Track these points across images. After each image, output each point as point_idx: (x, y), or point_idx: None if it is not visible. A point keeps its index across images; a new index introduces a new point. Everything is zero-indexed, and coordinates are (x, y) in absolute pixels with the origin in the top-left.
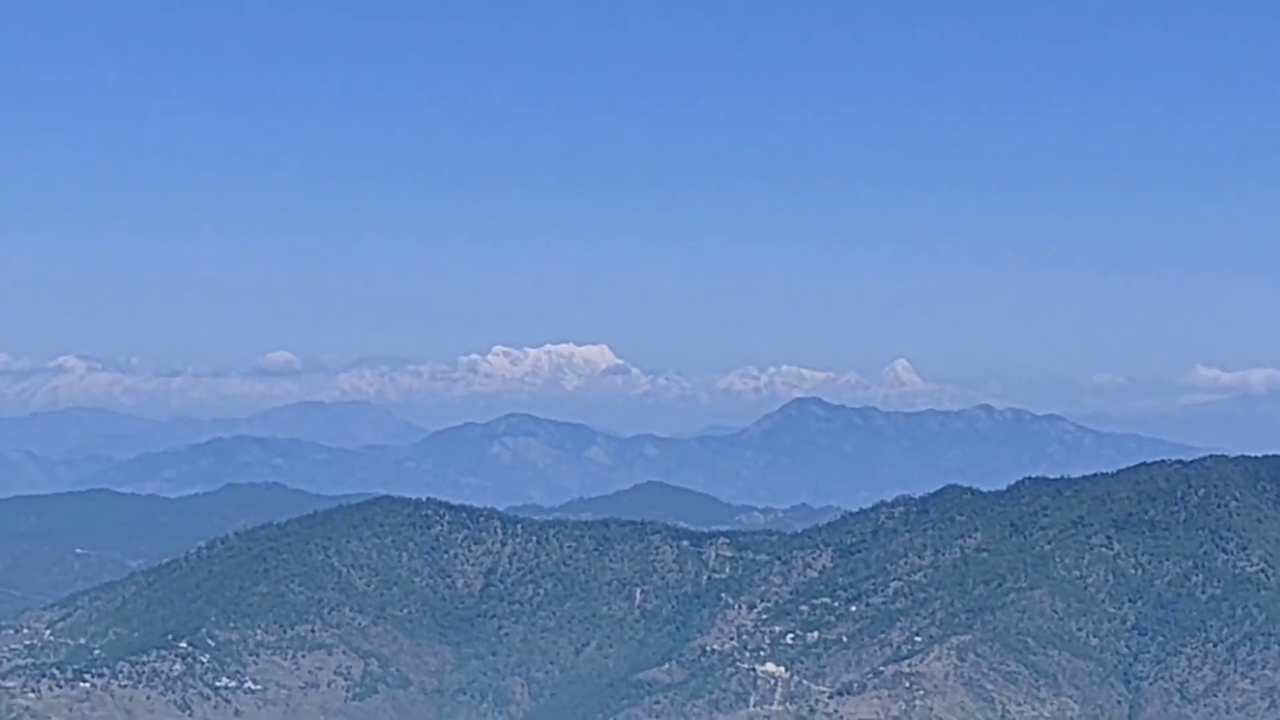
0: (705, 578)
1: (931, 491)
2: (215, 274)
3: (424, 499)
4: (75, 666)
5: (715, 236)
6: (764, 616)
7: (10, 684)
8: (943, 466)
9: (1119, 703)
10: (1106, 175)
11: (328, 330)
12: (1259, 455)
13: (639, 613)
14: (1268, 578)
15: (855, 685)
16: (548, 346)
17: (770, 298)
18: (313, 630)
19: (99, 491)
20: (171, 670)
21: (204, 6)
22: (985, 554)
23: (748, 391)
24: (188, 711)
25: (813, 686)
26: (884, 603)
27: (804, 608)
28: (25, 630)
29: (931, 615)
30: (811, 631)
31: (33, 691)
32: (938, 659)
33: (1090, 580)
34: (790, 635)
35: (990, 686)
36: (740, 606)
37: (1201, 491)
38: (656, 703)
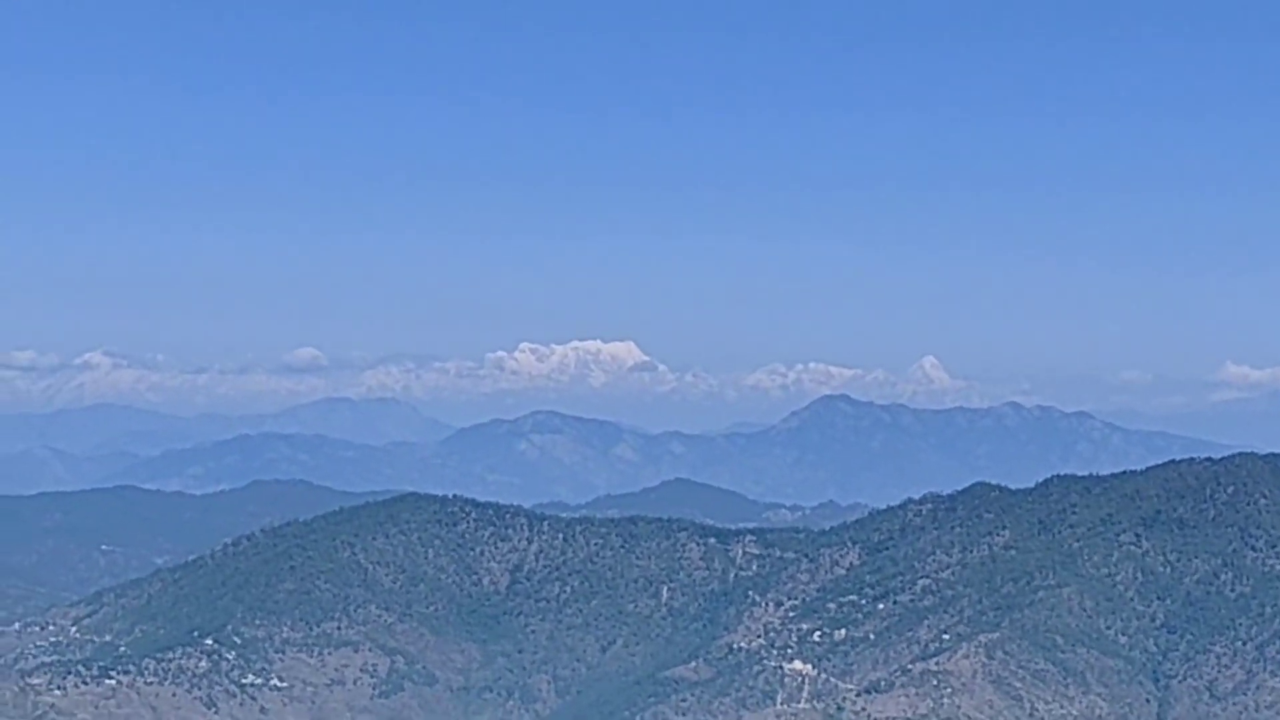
0: (732, 575)
1: (959, 489)
2: (242, 271)
3: (450, 496)
4: (101, 663)
5: (743, 233)
6: (791, 614)
7: (36, 681)
8: (971, 464)
9: (1147, 701)
10: (1136, 173)
11: (354, 327)
12: None
13: (666, 610)
14: None
15: (883, 683)
16: (574, 343)
17: (798, 295)
18: (339, 627)
19: (124, 488)
20: (197, 667)
21: (229, 7)
22: (1013, 551)
23: (775, 388)
24: (213, 709)
25: (840, 684)
26: (912, 600)
27: (831, 605)
28: (51, 627)
29: (959, 613)
30: (839, 629)
31: (59, 688)
32: (966, 657)
33: (1119, 578)
34: (818, 633)
35: (1018, 684)
36: (767, 604)
37: (1230, 489)
38: (683, 700)
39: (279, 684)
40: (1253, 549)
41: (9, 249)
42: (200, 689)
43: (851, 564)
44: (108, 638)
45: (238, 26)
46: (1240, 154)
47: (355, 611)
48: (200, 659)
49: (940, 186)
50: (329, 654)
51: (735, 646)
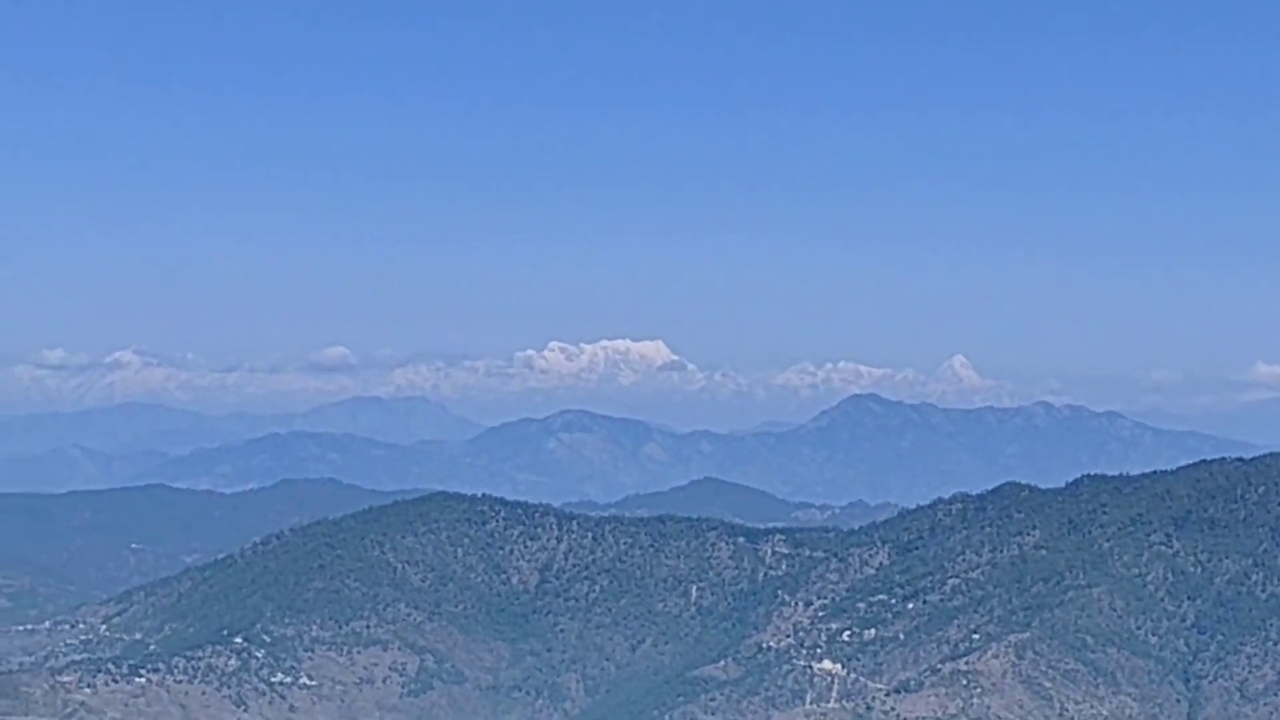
0: (762, 574)
1: (989, 489)
2: (271, 270)
3: (479, 495)
4: (131, 661)
5: (773, 232)
6: (821, 613)
7: (66, 678)
8: (1001, 463)
9: (1178, 701)
10: (1168, 172)
11: (383, 326)
12: None
13: (695, 609)
14: None
15: (912, 683)
16: (604, 342)
17: (828, 294)
18: (368, 626)
19: (154, 487)
20: (227, 666)
21: (264, 8)
22: (1043, 551)
23: (804, 388)
24: (243, 707)
25: (869, 684)
26: (941, 600)
27: (861, 605)
28: (81, 625)
29: (989, 613)
30: (868, 629)
31: (89, 686)
32: (995, 657)
33: (1149, 578)
34: (847, 632)
35: (1048, 684)
36: (797, 603)
37: (1261, 489)
38: (712, 699)
39: (308, 682)
40: None
41: (40, 248)
42: (230, 687)
43: (881, 564)
44: (138, 636)
45: (279, 26)
46: (1273, 152)
47: (384, 610)
48: (230, 657)
49: (972, 186)
50: (358, 653)
51: (764, 646)
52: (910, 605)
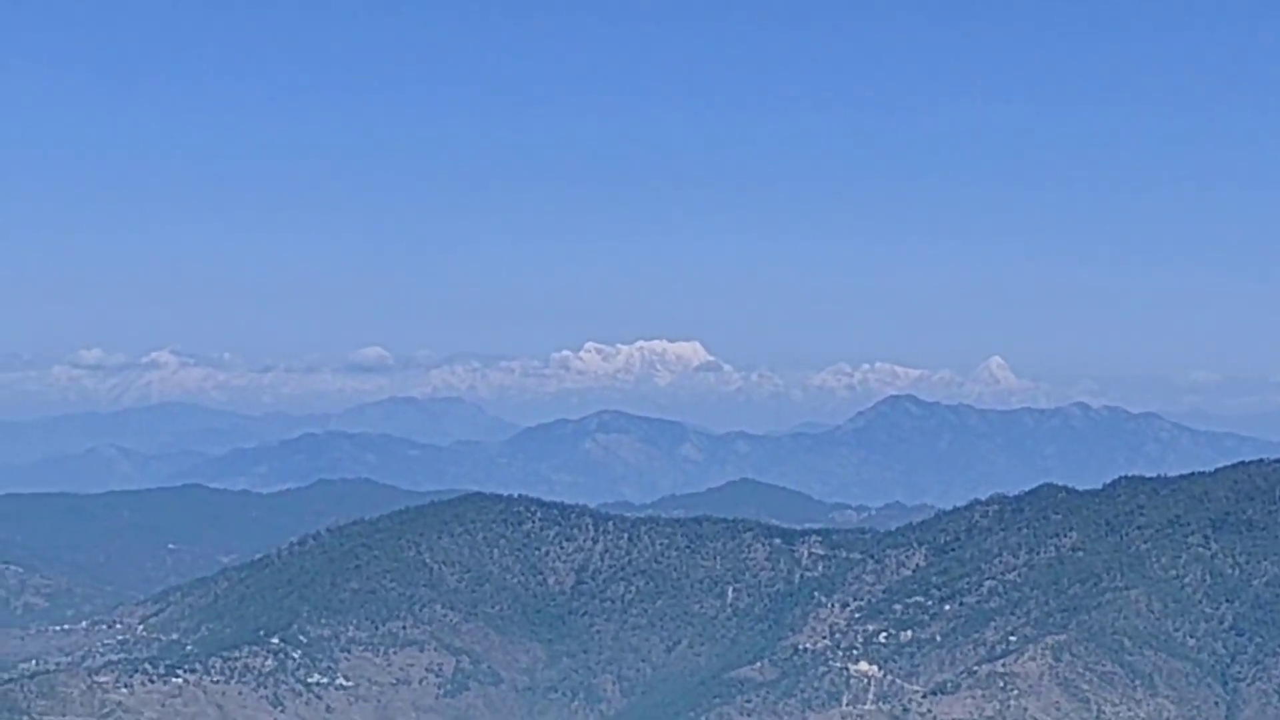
0: (798, 576)
1: (1026, 490)
2: (308, 270)
3: (515, 496)
4: (168, 662)
5: (810, 233)
6: (857, 615)
7: (104, 679)
8: (1038, 465)
9: (1216, 704)
10: (1207, 171)
11: (420, 326)
12: None
13: (731, 611)
14: None
15: (949, 685)
16: (640, 343)
17: (864, 294)
18: (404, 627)
19: (191, 487)
20: (263, 666)
21: (301, 8)
22: (1080, 553)
23: (841, 388)
24: (279, 707)
25: (906, 686)
26: (978, 602)
27: (897, 606)
28: (118, 625)
29: (1026, 615)
30: (905, 630)
31: (125, 687)
32: (1032, 659)
33: (1187, 580)
34: (883, 634)
35: (1085, 687)
36: (833, 605)
37: None
38: (748, 701)
39: (344, 683)
40: None
41: (78, 248)
42: (266, 688)
43: (918, 565)
44: (174, 636)
45: (315, 25)
46: None
47: (421, 611)
48: (266, 658)
49: (1008, 185)
50: (394, 653)
51: (800, 647)
52: (947, 607)
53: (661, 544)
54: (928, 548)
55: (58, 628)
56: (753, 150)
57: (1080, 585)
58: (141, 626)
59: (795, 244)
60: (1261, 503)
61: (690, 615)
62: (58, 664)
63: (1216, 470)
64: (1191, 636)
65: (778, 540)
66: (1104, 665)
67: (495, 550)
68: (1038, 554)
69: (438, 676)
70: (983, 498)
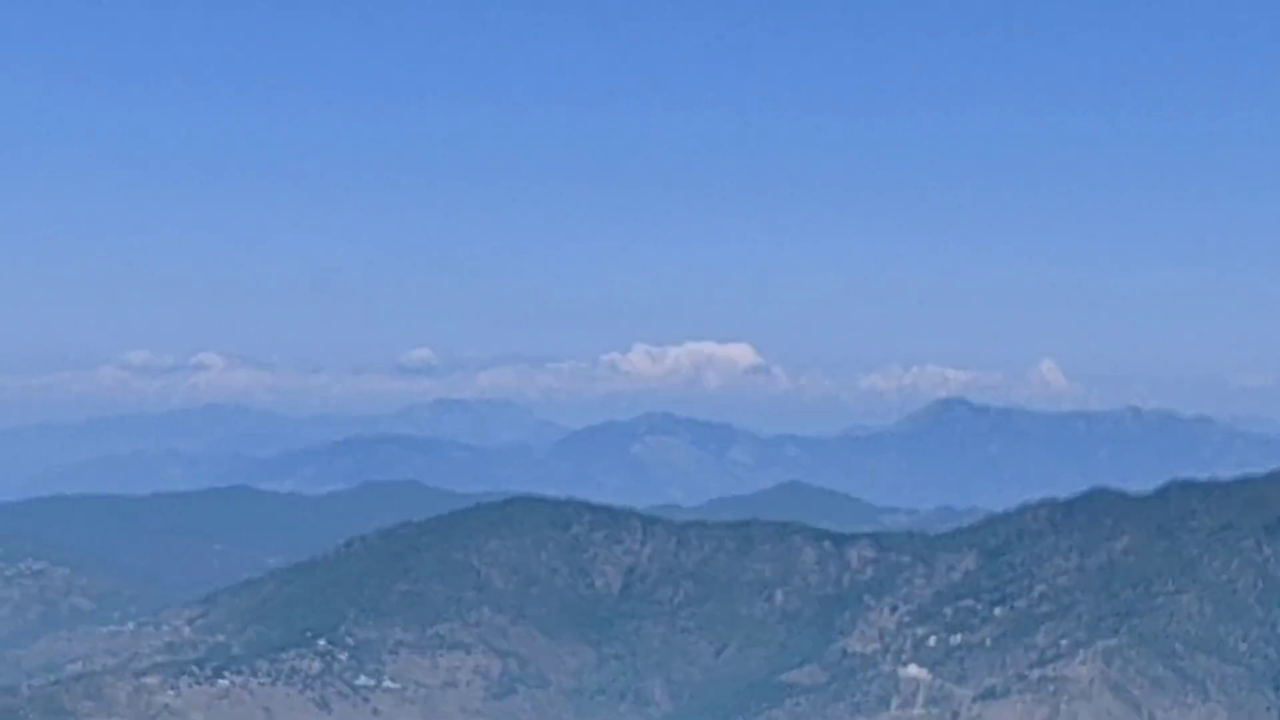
0: (847, 579)
1: (1078, 494)
2: (356, 272)
3: (564, 498)
4: (214, 664)
5: (859, 235)
6: (906, 619)
7: (151, 680)
8: (1089, 468)
9: (1268, 709)
10: (1258, 174)
11: (468, 328)
12: None
13: (780, 614)
14: None
15: (999, 689)
16: (689, 345)
17: (914, 296)
18: (452, 629)
19: (238, 489)
20: (310, 668)
21: (350, 6)
22: (1132, 557)
23: (891, 391)
24: (326, 709)
25: (956, 690)
26: (1029, 606)
27: (947, 610)
28: (165, 627)
29: (1077, 619)
30: (955, 634)
31: (172, 688)
32: (1083, 663)
33: (1240, 584)
34: (933, 638)
35: (1137, 692)
36: (883, 608)
37: None
38: (797, 705)
39: (391, 685)
40: None
41: (125, 249)
42: (313, 690)
43: (968, 569)
44: (221, 638)
45: (350, 26)
46: None
47: (468, 613)
48: (313, 660)
49: (1060, 187)
50: (442, 656)
51: (850, 651)
52: (997, 611)
53: (710, 547)
54: (978, 551)
55: (104, 629)
56: (804, 152)
57: (1132, 589)
58: (188, 628)
59: (845, 246)
60: None
61: (739, 618)
62: (104, 665)
63: (1269, 474)
64: (1244, 641)
65: (827, 543)
66: (1156, 670)
67: (543, 553)
68: (1089, 558)
69: (485, 679)
70: (1034, 501)
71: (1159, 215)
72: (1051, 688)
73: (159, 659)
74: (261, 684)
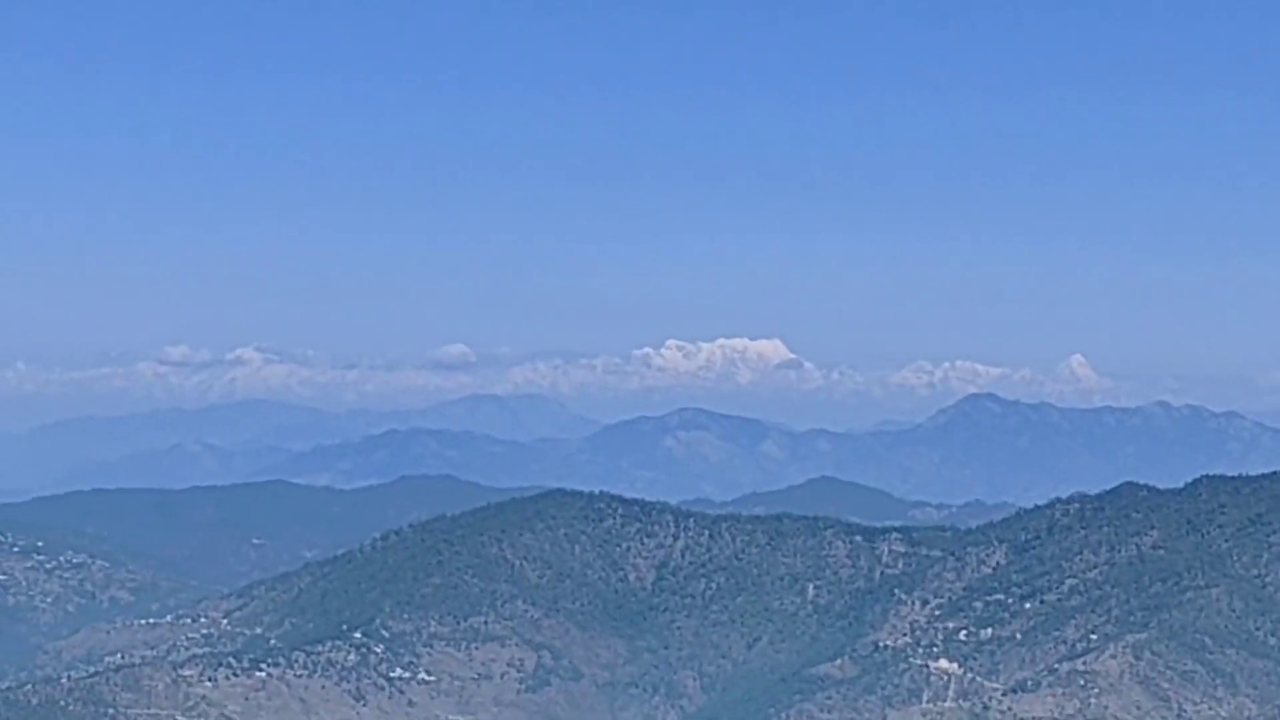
0: (878, 573)
1: (1107, 488)
2: (391, 268)
3: (597, 492)
4: (251, 656)
5: (889, 231)
6: (937, 612)
7: (188, 672)
8: (1119, 463)
9: None
10: None
11: (502, 323)
12: None
13: (811, 608)
14: None
15: (1029, 683)
16: (721, 340)
17: (945, 292)
18: (486, 622)
19: (274, 483)
20: (346, 660)
21: (382, 8)
22: (1162, 552)
23: (922, 386)
24: (362, 702)
25: (986, 683)
26: (1059, 600)
27: (978, 604)
28: (202, 619)
29: (1107, 613)
30: (985, 628)
31: (209, 680)
32: (1113, 657)
33: (1269, 579)
34: (964, 632)
35: (1166, 686)
36: (913, 602)
37: None
38: (829, 698)
39: (426, 678)
40: None
41: (164, 245)
42: (349, 682)
43: (998, 563)
44: (258, 630)
45: (400, 19)
46: None
47: (502, 606)
48: (349, 652)
49: (1088, 182)
50: (476, 648)
51: (881, 645)
52: (1027, 605)
53: (742, 541)
54: (1008, 546)
55: (143, 622)
56: (838, 149)
57: (1161, 584)
58: (225, 621)
59: (876, 242)
60: None
61: (771, 612)
62: (143, 657)
63: None
64: (1273, 635)
65: (858, 538)
66: (1185, 664)
67: (576, 546)
68: (1119, 552)
69: (519, 671)
70: (1063, 496)
71: (1190, 210)
72: (1081, 681)
73: (197, 651)
74: (298, 676)
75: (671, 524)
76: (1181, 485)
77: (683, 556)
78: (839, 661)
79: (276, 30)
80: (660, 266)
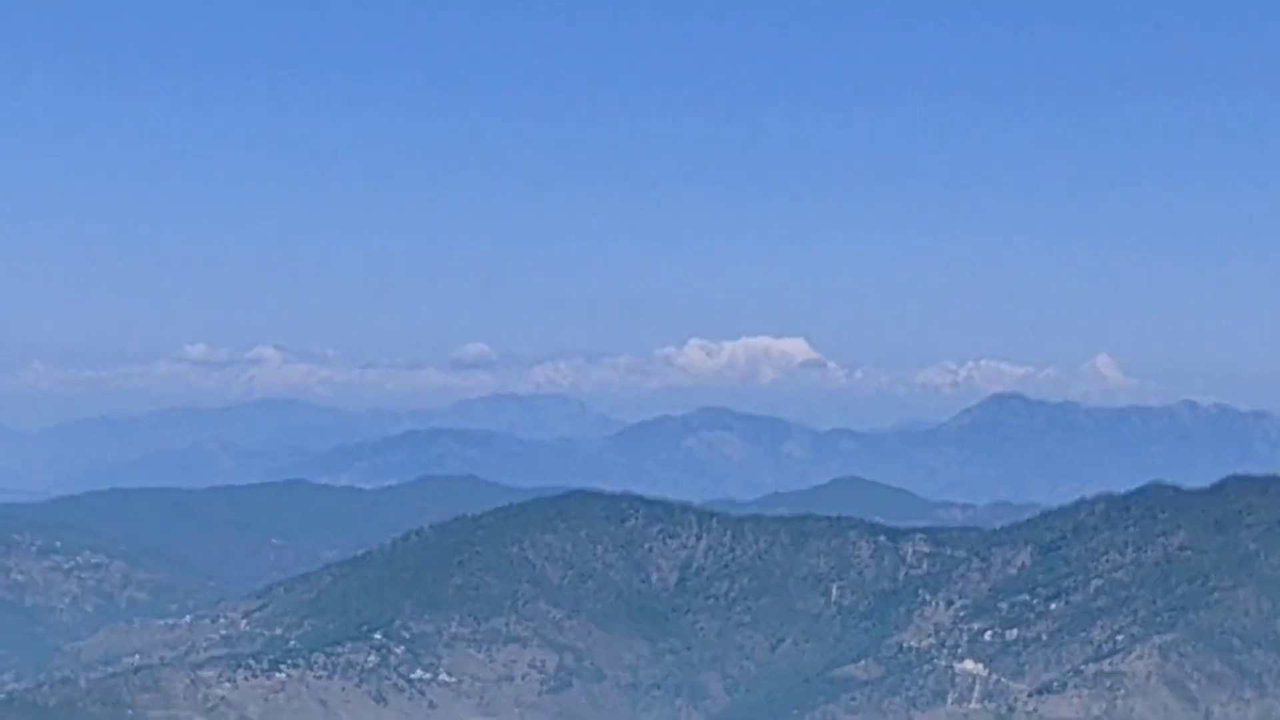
0: (903, 574)
1: (1134, 489)
2: (412, 267)
3: (619, 492)
4: (271, 657)
5: (914, 229)
6: (962, 613)
7: (208, 673)
8: (1145, 463)
9: None
10: None
11: (523, 323)
12: None
13: (835, 608)
14: None
15: (1055, 684)
16: (744, 339)
17: (969, 291)
18: (507, 623)
19: (294, 483)
20: (366, 661)
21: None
22: (1188, 552)
23: (946, 386)
24: (382, 703)
25: (1012, 685)
26: (1085, 601)
27: (1003, 605)
28: (222, 620)
29: (1133, 614)
30: (1011, 629)
31: (229, 681)
32: (1140, 658)
33: None
34: (989, 633)
35: (1193, 686)
36: (938, 603)
37: None
38: (853, 699)
39: (447, 679)
40: None
41: (183, 243)
42: (369, 683)
43: (1024, 563)
44: (278, 631)
45: (415, 18)
46: None
47: (524, 607)
48: (369, 653)
49: (1115, 181)
50: (497, 649)
51: (906, 645)
52: (1053, 606)
53: (765, 541)
54: (1034, 546)
55: (162, 622)
56: (862, 147)
57: (1188, 584)
58: (245, 621)
59: (901, 241)
60: None
61: (794, 613)
62: (161, 658)
63: None
64: None
65: (882, 538)
66: (1212, 665)
67: (599, 547)
68: (1145, 553)
69: (541, 673)
70: (1090, 496)
71: (1217, 209)
72: (1108, 682)
73: (216, 652)
74: (318, 677)
75: (694, 524)
76: (1208, 485)
77: (706, 557)
78: (863, 663)
79: (294, 28)
80: (683, 265)
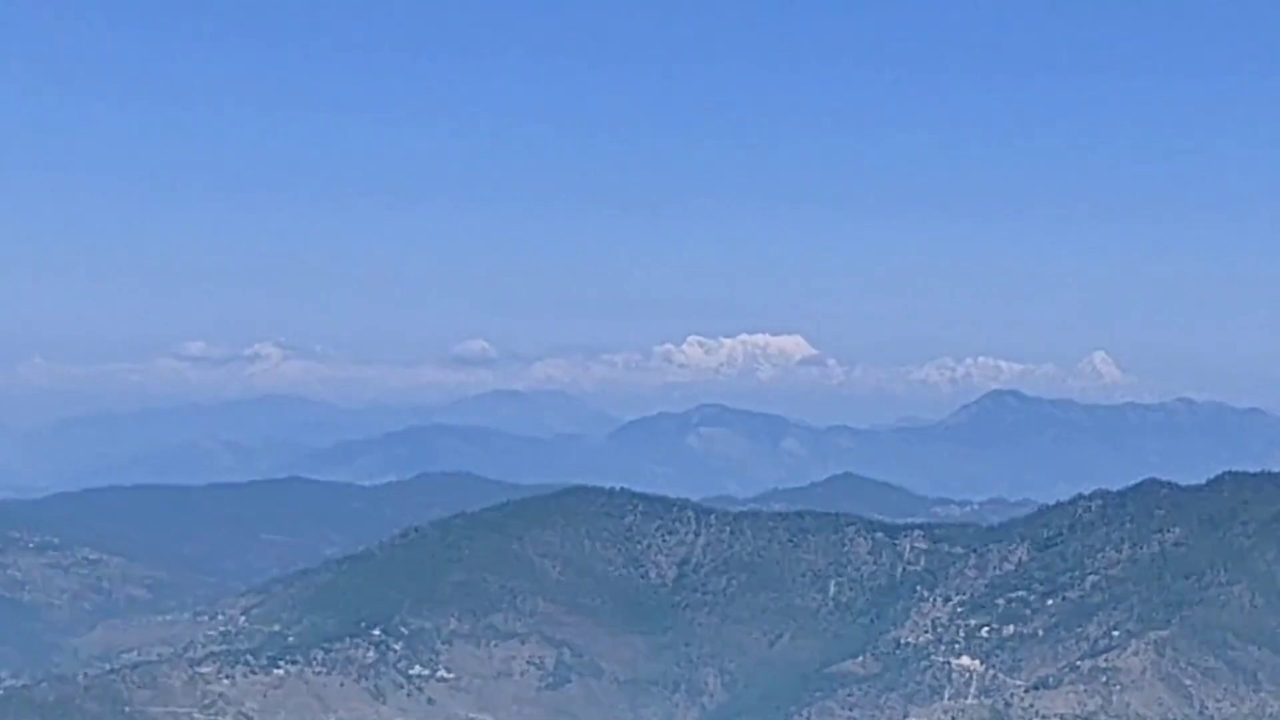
0: (900, 570)
1: (1130, 485)
2: (412, 263)
3: (617, 489)
4: (269, 653)
5: (911, 227)
6: (959, 609)
7: (206, 669)
8: (1141, 460)
9: None
10: None
11: (522, 319)
12: None
13: (833, 605)
14: None
15: (1051, 679)
16: (742, 336)
17: (967, 289)
18: (505, 619)
19: (293, 479)
20: (365, 658)
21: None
22: (1184, 549)
23: (944, 383)
24: (381, 699)
25: (1008, 680)
26: (1081, 597)
27: (1000, 601)
28: (220, 616)
29: (1129, 610)
30: (1007, 625)
31: (227, 678)
32: (1135, 654)
33: None
34: (986, 629)
35: (1188, 682)
36: (935, 599)
37: None
38: (850, 695)
39: (446, 675)
40: None
41: (182, 239)
42: (367, 679)
43: (1020, 560)
44: (276, 627)
45: (419, 21)
46: None
47: (522, 604)
48: (368, 649)
49: (1111, 178)
50: (495, 646)
51: (903, 642)
52: (1049, 602)
53: (763, 538)
54: (1030, 542)
55: (160, 619)
56: (858, 144)
57: (1183, 581)
58: (243, 618)
59: (898, 238)
60: None
61: (792, 609)
62: (159, 655)
63: None
64: None
65: (880, 534)
66: (1207, 661)
67: (597, 543)
68: (1141, 549)
69: (539, 669)
70: (1086, 493)
71: (1213, 206)
72: (1103, 678)
73: (214, 648)
74: (316, 673)
75: (692, 521)
76: (1204, 482)
77: (704, 553)
78: (860, 659)
79: (294, 24)
80: (681, 262)
